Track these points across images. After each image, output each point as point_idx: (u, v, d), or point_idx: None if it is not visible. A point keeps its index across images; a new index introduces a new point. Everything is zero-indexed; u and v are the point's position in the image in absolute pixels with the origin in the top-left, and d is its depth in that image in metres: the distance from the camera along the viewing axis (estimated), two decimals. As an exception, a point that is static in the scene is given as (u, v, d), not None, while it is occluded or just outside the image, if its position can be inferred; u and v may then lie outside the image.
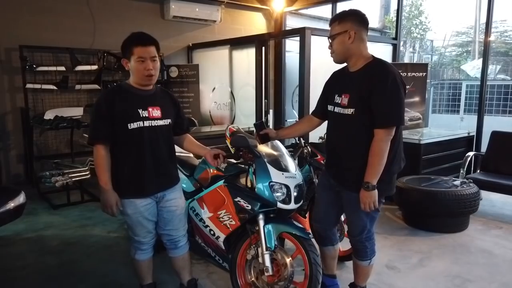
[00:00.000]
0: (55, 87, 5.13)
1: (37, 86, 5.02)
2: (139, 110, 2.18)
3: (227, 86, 6.31)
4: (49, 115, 4.91)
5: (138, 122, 2.18)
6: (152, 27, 6.09)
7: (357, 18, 2.15)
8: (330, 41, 2.20)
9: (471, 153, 4.75)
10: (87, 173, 4.68)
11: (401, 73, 2.17)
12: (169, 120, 2.31)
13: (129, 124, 2.16)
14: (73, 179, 4.55)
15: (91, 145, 2.20)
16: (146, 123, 2.20)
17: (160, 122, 2.26)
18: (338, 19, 2.17)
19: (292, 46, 6.53)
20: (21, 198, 2.24)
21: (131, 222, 2.30)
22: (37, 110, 5.17)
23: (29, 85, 4.96)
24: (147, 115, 2.21)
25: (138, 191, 2.25)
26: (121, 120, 2.15)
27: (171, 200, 2.35)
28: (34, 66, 4.97)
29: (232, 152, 2.99)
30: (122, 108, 2.16)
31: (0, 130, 5.06)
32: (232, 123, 6.23)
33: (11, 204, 2.13)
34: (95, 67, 5.40)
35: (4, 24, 4.96)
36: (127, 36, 2.20)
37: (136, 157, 2.22)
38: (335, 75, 2.40)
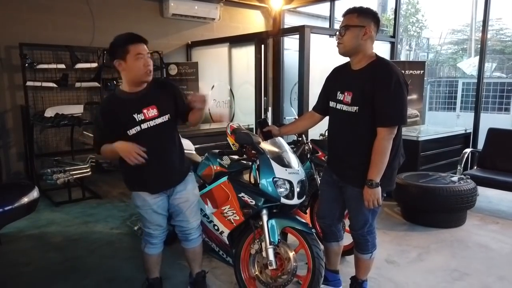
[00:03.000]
0: (55, 85, 5.14)
1: (37, 84, 5.03)
2: (134, 115, 2.16)
3: (226, 84, 6.34)
4: (49, 112, 4.92)
5: (135, 128, 2.17)
6: (151, 25, 6.12)
7: (375, 19, 2.16)
8: (343, 31, 2.15)
9: (468, 150, 4.79)
10: (88, 170, 4.72)
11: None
12: (167, 116, 2.25)
13: (128, 131, 2.17)
14: (75, 176, 4.58)
15: (100, 153, 2.26)
16: (144, 126, 2.18)
17: (159, 120, 2.22)
18: (358, 11, 2.14)
19: (290, 44, 6.55)
20: (34, 193, 2.25)
21: (141, 213, 2.36)
22: (37, 108, 5.18)
23: (29, 83, 4.96)
24: (143, 118, 2.18)
25: (145, 189, 2.29)
26: (120, 129, 2.16)
27: (180, 192, 2.37)
28: (34, 64, 4.97)
29: (234, 149, 3.02)
30: (117, 118, 2.17)
31: (0, 128, 5.06)
32: (231, 120, 6.26)
33: (25, 200, 2.15)
34: (94, 65, 5.41)
35: (4, 22, 4.95)
36: (113, 39, 2.16)
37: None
38: (336, 71, 2.41)
